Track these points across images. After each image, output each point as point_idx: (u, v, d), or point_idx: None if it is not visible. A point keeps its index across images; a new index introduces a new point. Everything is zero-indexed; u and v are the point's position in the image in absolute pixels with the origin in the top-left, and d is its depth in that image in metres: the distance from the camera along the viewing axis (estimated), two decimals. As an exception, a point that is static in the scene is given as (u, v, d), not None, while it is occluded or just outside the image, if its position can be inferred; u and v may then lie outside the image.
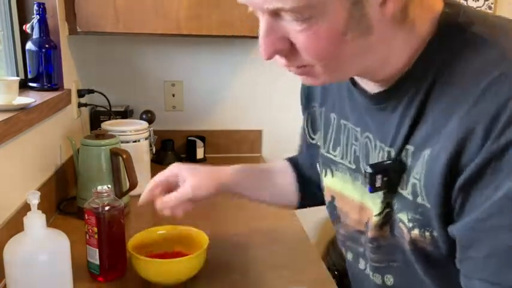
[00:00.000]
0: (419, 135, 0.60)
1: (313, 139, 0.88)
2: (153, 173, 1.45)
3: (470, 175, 0.53)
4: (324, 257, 1.96)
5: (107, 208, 0.90)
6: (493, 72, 0.52)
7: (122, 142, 1.27)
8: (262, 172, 1.01)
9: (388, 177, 0.63)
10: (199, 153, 1.72)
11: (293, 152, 1.03)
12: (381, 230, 0.68)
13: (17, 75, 1.31)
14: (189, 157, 1.74)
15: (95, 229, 0.89)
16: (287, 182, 0.99)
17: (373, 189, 0.64)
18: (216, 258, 1.00)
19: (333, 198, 0.80)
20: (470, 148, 0.52)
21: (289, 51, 0.57)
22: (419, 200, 0.60)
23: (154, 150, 1.58)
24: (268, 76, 1.79)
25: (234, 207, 1.28)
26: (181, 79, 1.77)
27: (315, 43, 0.54)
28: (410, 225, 0.62)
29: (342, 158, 0.76)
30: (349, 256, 0.80)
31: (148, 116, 1.62)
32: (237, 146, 1.84)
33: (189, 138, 1.73)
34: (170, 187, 0.89)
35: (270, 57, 0.58)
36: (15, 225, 0.88)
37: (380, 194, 0.66)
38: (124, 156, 1.15)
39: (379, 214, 0.67)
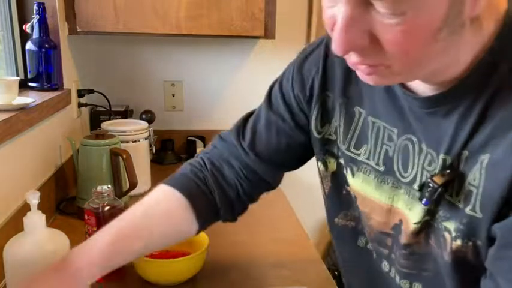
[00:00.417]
0: (476, 141, 0.56)
1: (319, 133, 0.78)
2: (153, 173, 1.46)
3: None
4: (324, 257, 1.96)
5: (106, 208, 0.90)
6: None
7: (122, 142, 1.27)
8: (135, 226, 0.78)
9: (444, 187, 0.59)
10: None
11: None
12: (416, 237, 0.65)
13: (17, 75, 1.31)
14: (189, 157, 1.73)
15: (95, 229, 0.89)
16: (175, 215, 0.82)
17: (430, 202, 0.59)
18: (216, 258, 1.00)
19: (355, 197, 0.76)
20: None
21: (368, 47, 0.51)
22: (468, 209, 0.56)
23: (154, 150, 1.58)
24: (268, 76, 1.78)
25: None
26: (181, 79, 1.77)
27: (407, 39, 0.49)
28: (454, 234, 0.58)
29: (367, 158, 0.71)
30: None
31: (148, 116, 1.62)
32: (237, 146, 1.84)
33: (189, 138, 1.73)
34: None
35: (345, 54, 0.52)
36: (15, 225, 0.88)
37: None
38: (124, 156, 1.15)
39: (419, 222, 0.63)
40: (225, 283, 0.93)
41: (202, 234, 0.95)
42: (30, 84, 1.28)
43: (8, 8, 1.29)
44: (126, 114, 1.63)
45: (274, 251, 1.07)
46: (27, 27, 1.26)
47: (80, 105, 1.55)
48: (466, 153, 0.57)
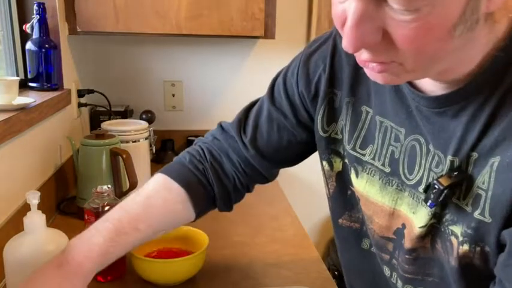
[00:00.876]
0: (486, 143, 0.54)
1: (326, 131, 0.76)
2: (153, 173, 1.46)
3: None
4: (324, 257, 1.96)
5: (106, 208, 0.90)
6: None
7: (122, 142, 1.27)
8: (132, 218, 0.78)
9: (450, 189, 0.57)
10: (199, 153, 1.72)
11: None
12: (422, 242, 0.63)
13: (17, 75, 1.31)
14: (189, 157, 1.73)
15: (95, 229, 0.89)
16: (172, 205, 0.82)
17: (435, 204, 0.58)
18: (216, 258, 1.00)
19: (358, 199, 0.75)
20: None
21: (380, 44, 0.49)
22: (477, 213, 0.55)
23: (154, 150, 1.58)
24: (268, 76, 1.78)
25: (234, 206, 1.28)
26: (181, 79, 1.77)
27: (422, 36, 0.47)
28: (461, 239, 0.57)
29: (372, 159, 0.69)
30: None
31: (148, 116, 1.62)
32: (237, 146, 1.84)
33: (189, 138, 1.73)
34: None
35: (357, 51, 0.50)
36: (15, 225, 0.88)
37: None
38: (124, 156, 1.15)
39: (424, 226, 0.62)
40: (225, 283, 0.93)
41: (202, 234, 0.95)
42: (30, 84, 1.28)
43: (8, 8, 1.29)
44: (126, 114, 1.63)
45: (274, 251, 1.07)
46: (27, 27, 1.26)
47: (80, 105, 1.55)
48: (475, 155, 0.55)
